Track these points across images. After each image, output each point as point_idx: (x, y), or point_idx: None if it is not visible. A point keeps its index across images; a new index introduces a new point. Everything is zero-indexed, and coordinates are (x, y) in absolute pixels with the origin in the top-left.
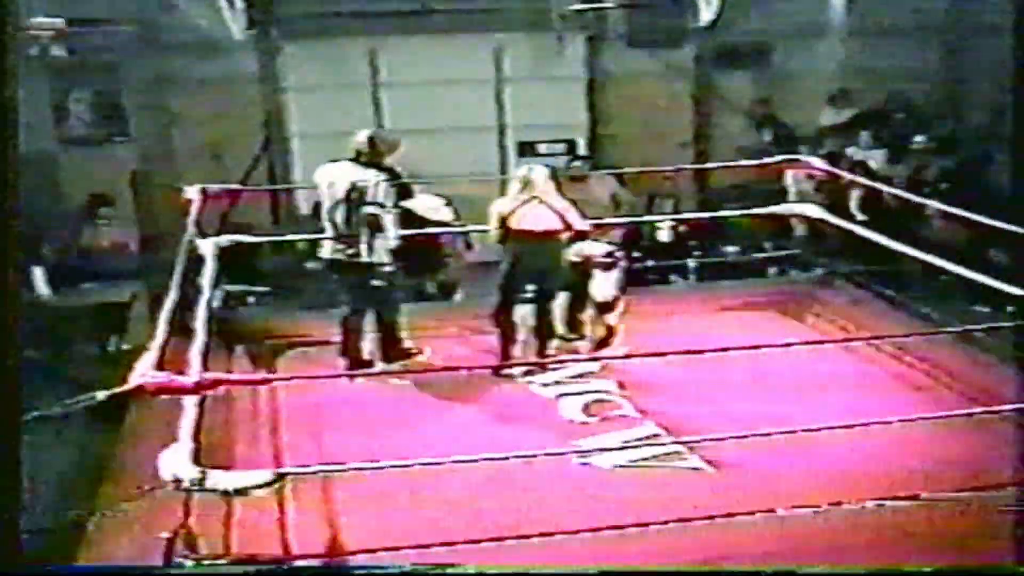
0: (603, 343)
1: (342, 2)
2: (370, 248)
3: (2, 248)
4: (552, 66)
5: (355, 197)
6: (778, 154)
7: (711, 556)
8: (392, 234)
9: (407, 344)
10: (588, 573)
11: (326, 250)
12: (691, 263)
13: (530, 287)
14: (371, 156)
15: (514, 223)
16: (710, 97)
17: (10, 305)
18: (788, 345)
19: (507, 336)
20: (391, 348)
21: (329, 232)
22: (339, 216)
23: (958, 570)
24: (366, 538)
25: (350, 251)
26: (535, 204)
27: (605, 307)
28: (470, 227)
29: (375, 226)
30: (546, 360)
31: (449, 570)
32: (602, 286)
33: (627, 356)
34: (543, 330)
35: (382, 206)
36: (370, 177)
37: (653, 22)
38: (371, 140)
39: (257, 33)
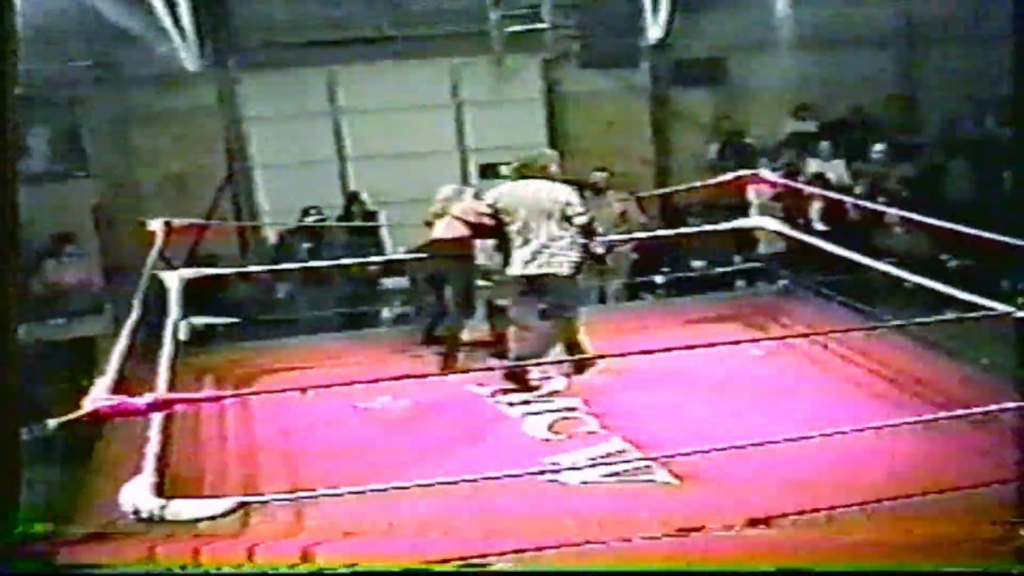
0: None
1: (298, 31)
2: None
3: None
4: (509, 89)
5: (560, 212)
6: (738, 169)
7: (678, 569)
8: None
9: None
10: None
11: (517, 267)
12: (658, 279)
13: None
14: (542, 172)
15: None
16: (668, 114)
17: (9, 314)
18: (734, 343)
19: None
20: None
21: (528, 248)
22: (543, 231)
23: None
24: (330, 559)
25: (554, 263)
26: (446, 218)
27: None
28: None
29: (590, 233)
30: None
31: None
32: None
33: (583, 359)
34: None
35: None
36: (566, 191)
37: (606, 43)
38: (547, 156)
39: (214, 65)
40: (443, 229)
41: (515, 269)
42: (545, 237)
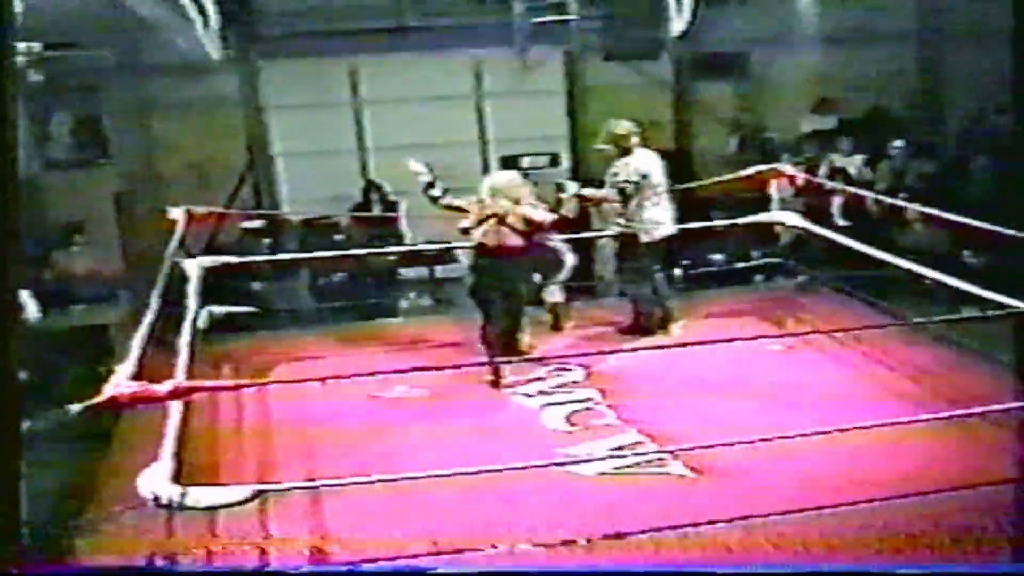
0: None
1: (320, 21)
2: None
3: (2, 258)
4: (531, 80)
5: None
6: (758, 163)
7: (694, 561)
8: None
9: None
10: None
11: (662, 228)
12: (678, 272)
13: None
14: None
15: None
16: (690, 108)
17: (10, 313)
18: (739, 341)
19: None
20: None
21: (665, 213)
22: (663, 199)
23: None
24: (350, 549)
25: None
26: (492, 223)
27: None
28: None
29: None
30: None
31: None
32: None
33: (598, 353)
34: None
35: None
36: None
37: (628, 35)
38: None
39: (236, 54)
40: (492, 235)
41: (659, 231)
42: (667, 202)
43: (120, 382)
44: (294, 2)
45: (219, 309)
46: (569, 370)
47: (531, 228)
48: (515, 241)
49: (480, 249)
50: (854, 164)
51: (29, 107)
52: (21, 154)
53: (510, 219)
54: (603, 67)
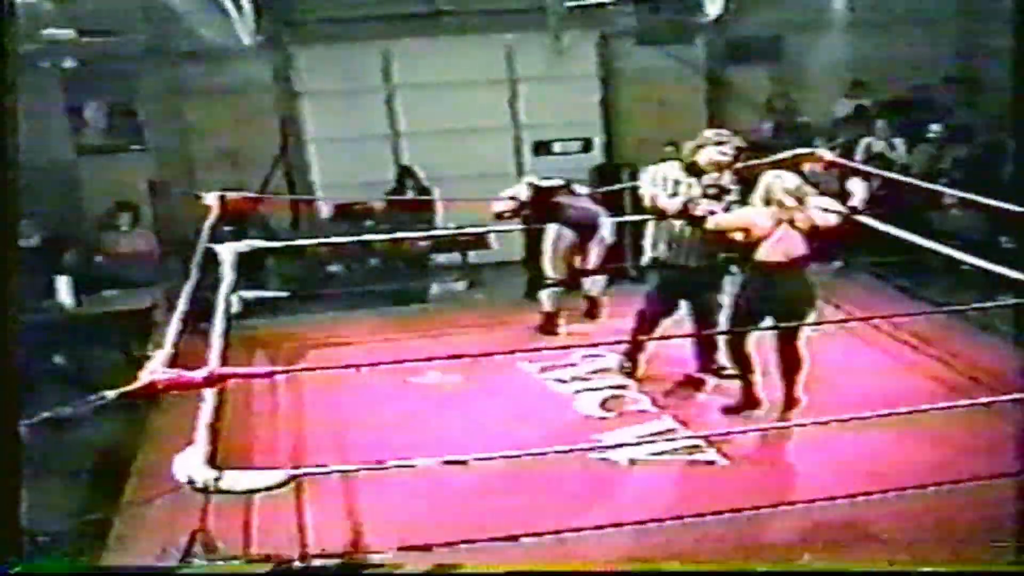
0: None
1: (353, 6)
2: None
3: (2, 251)
4: (564, 65)
5: None
6: (792, 147)
7: (727, 548)
8: None
9: None
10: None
11: None
12: None
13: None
14: None
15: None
16: (723, 92)
17: (9, 307)
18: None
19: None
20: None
21: None
22: None
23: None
24: (384, 535)
25: None
26: (781, 228)
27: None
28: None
29: None
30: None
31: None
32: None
33: (628, 341)
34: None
35: None
36: None
37: (661, 19)
38: None
39: (268, 39)
40: (779, 247)
41: None
42: None
43: (156, 368)
44: None
45: (251, 294)
46: (603, 356)
47: (818, 234)
48: (803, 250)
49: (763, 265)
50: (891, 148)
51: (63, 93)
52: (57, 140)
53: (799, 223)
54: (637, 51)
